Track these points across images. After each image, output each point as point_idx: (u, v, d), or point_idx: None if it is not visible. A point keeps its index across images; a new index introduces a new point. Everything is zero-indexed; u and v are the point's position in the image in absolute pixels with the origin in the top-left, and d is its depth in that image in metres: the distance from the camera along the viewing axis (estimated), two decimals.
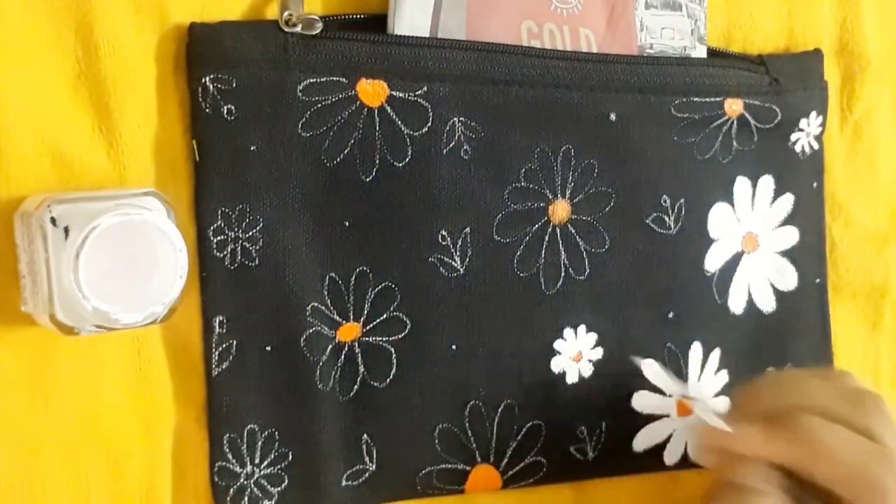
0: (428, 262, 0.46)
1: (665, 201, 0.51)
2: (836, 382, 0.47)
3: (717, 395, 0.54)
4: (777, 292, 0.55)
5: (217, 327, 0.43)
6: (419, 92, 0.44)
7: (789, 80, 0.53)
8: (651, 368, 0.48)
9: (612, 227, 0.50)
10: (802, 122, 0.54)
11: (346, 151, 0.44)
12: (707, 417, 0.46)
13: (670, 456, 0.52)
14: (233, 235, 0.42)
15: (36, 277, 0.37)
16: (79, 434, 0.41)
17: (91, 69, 0.40)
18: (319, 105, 0.43)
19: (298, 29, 0.42)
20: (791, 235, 0.55)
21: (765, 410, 0.45)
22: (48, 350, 0.40)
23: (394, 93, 0.44)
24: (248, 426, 0.44)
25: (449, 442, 0.47)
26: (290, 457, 0.45)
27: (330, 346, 0.45)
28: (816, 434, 0.42)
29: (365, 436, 0.46)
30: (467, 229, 0.46)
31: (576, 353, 0.50)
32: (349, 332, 0.45)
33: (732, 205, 0.53)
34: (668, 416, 0.52)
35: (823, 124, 0.55)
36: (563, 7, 0.48)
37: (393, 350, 0.46)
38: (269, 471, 0.44)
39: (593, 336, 0.50)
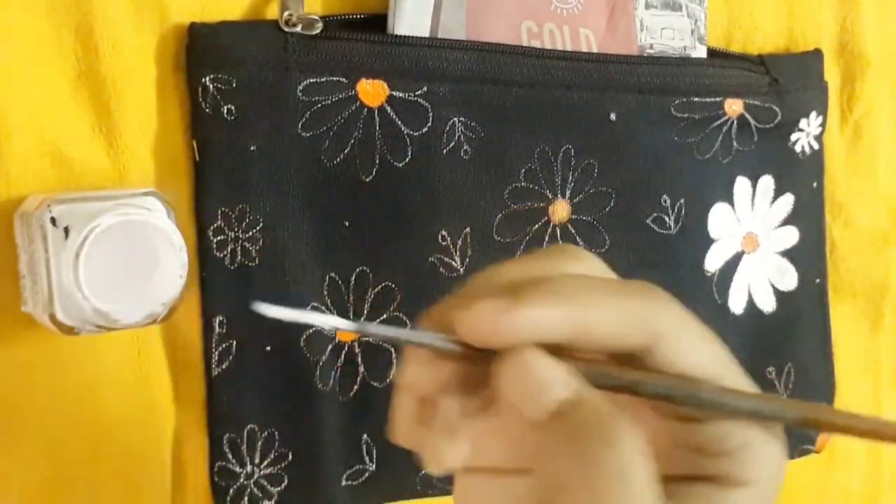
0: (428, 262, 0.46)
1: (665, 201, 0.51)
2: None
3: None
4: (777, 292, 0.55)
5: (217, 327, 0.43)
6: (419, 92, 0.44)
7: (789, 81, 0.53)
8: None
9: (612, 227, 0.50)
10: (802, 122, 0.54)
11: (346, 151, 0.44)
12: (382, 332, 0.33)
13: None
14: (233, 235, 0.42)
15: (36, 277, 0.37)
16: (79, 434, 0.41)
17: (91, 69, 0.40)
18: (319, 105, 0.43)
19: (298, 29, 0.42)
20: (791, 235, 0.55)
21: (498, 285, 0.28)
22: (48, 350, 0.40)
23: (394, 93, 0.44)
24: (248, 426, 0.44)
25: None
26: (290, 457, 0.45)
27: (330, 346, 0.45)
28: (576, 285, 0.28)
29: (365, 436, 0.46)
30: (467, 229, 0.46)
31: None
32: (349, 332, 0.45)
33: (732, 205, 0.53)
34: None
35: (823, 124, 0.55)
36: (563, 7, 0.48)
37: (393, 350, 0.46)
38: (269, 471, 0.44)
39: None
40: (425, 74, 0.44)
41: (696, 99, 0.50)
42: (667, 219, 0.51)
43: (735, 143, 0.52)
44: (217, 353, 0.43)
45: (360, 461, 0.46)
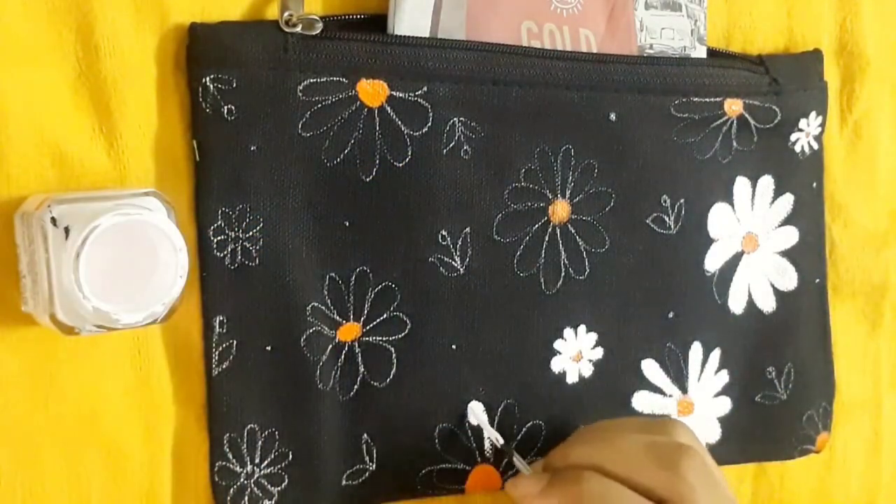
0: (428, 262, 0.46)
1: (665, 201, 0.51)
2: (650, 437, 0.45)
3: (717, 395, 0.54)
4: (777, 292, 0.55)
5: (217, 327, 0.43)
6: (419, 92, 0.44)
7: (789, 81, 0.53)
8: (475, 413, 0.48)
9: (612, 227, 0.50)
10: (802, 123, 0.54)
11: (346, 151, 0.44)
12: (518, 464, 0.47)
13: None
14: (233, 235, 0.42)
15: (36, 277, 0.37)
16: (79, 434, 0.41)
17: (91, 69, 0.40)
18: (319, 105, 0.43)
19: (298, 29, 0.42)
20: (791, 235, 0.55)
21: (568, 464, 0.45)
22: (48, 350, 0.40)
23: (394, 93, 0.44)
24: (249, 426, 0.44)
25: (449, 442, 0.47)
26: (290, 456, 0.45)
27: (330, 346, 0.45)
28: (586, 491, 0.42)
29: (365, 436, 0.46)
30: (467, 229, 0.46)
31: (576, 353, 0.50)
32: (349, 331, 0.45)
33: (732, 205, 0.53)
34: (668, 415, 0.53)
35: (823, 124, 0.55)
36: (563, 7, 0.48)
37: (393, 350, 0.46)
38: (269, 470, 0.44)
39: (593, 336, 0.50)
40: (425, 74, 0.44)
41: (695, 99, 0.50)
42: (667, 219, 0.51)
43: (735, 143, 0.52)
44: (217, 353, 0.43)
45: (360, 461, 0.46)
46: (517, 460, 0.47)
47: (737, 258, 0.54)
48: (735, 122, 0.52)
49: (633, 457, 0.43)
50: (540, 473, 0.46)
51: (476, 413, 0.48)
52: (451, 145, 0.46)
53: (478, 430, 0.48)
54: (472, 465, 0.48)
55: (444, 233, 0.46)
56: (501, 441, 0.48)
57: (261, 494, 0.44)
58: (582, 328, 0.50)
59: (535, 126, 0.47)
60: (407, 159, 0.45)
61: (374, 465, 0.46)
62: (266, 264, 0.43)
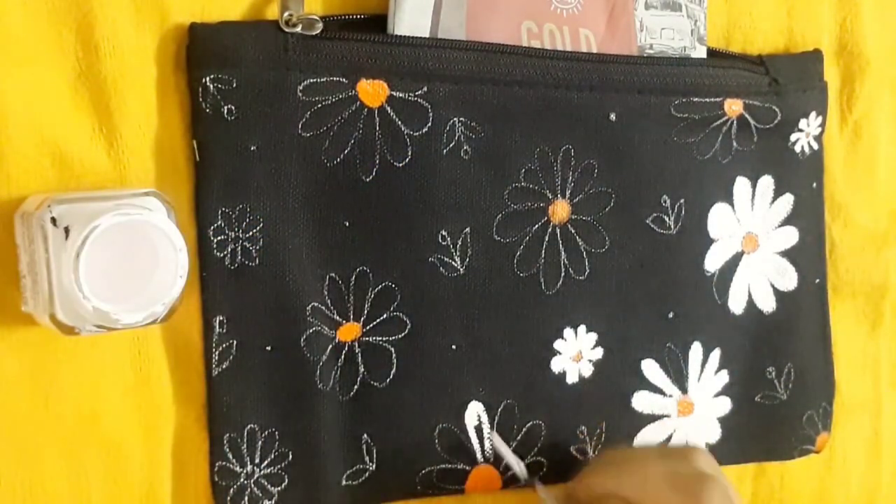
0: (428, 262, 0.46)
1: (665, 201, 0.51)
2: (673, 465, 0.45)
3: (716, 395, 0.54)
4: (777, 292, 0.55)
5: (217, 327, 0.43)
6: (419, 92, 0.44)
7: (789, 81, 0.53)
8: (494, 441, 0.48)
9: (612, 228, 0.50)
10: (802, 123, 0.54)
11: (346, 151, 0.44)
12: (542, 494, 0.48)
13: None
14: (233, 235, 0.42)
15: (36, 277, 0.37)
16: (79, 434, 0.41)
17: (91, 69, 0.40)
18: (319, 105, 0.43)
19: (298, 29, 0.42)
20: (791, 236, 0.55)
21: (591, 494, 0.46)
22: (48, 350, 0.40)
23: (394, 93, 0.44)
24: (249, 426, 0.44)
25: (449, 442, 0.47)
26: (290, 456, 0.45)
27: (330, 346, 0.45)
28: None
29: (365, 436, 0.46)
30: (467, 229, 0.46)
31: (576, 353, 0.50)
32: (349, 331, 0.45)
33: (732, 205, 0.53)
34: (668, 416, 0.53)
35: (823, 124, 0.55)
36: (563, 7, 0.48)
37: (393, 350, 0.46)
38: (269, 470, 0.44)
39: (593, 336, 0.50)
40: (425, 74, 0.44)
41: (695, 99, 0.50)
42: (667, 219, 0.51)
43: (735, 144, 0.52)
44: (217, 353, 0.43)
45: (361, 461, 0.46)
46: (541, 491, 0.48)
47: (737, 258, 0.54)
48: (735, 122, 0.52)
49: (656, 486, 0.43)
50: None
51: (496, 441, 0.48)
52: (451, 145, 0.46)
53: (478, 431, 0.48)
54: (472, 466, 0.48)
55: (444, 233, 0.46)
56: (525, 473, 0.48)
57: (261, 494, 0.44)
58: (582, 328, 0.50)
59: (535, 126, 0.47)
60: (407, 159, 0.45)
61: (374, 465, 0.46)
62: (266, 264, 0.43)
